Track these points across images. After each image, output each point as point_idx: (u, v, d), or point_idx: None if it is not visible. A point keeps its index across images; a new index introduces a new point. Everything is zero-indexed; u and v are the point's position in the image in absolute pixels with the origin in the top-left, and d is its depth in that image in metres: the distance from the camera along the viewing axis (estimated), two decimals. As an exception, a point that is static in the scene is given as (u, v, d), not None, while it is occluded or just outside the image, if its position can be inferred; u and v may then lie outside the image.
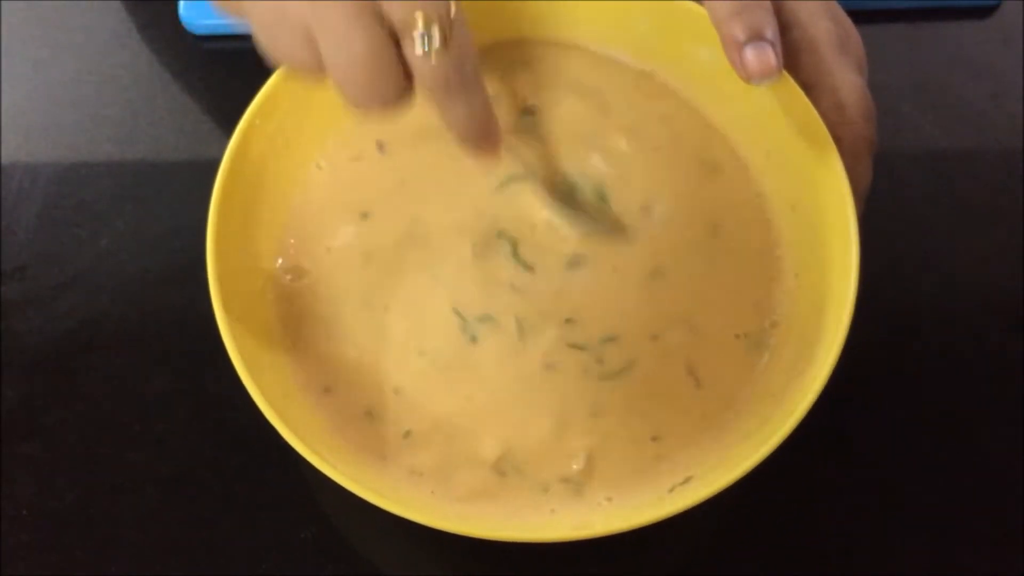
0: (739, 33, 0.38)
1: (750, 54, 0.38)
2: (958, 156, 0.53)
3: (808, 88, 0.40)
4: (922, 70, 0.55)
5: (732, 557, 0.44)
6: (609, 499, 0.38)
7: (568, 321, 0.41)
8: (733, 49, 0.38)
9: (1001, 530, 0.44)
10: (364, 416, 0.40)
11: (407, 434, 0.39)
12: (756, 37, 0.38)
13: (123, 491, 0.45)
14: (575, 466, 0.39)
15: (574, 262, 0.41)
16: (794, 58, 0.40)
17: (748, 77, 0.38)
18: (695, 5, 0.42)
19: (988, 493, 0.45)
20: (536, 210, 0.42)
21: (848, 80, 0.40)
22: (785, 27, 0.40)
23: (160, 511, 0.44)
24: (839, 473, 0.45)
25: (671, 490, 0.37)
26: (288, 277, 0.42)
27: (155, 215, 0.51)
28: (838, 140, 0.39)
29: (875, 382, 0.47)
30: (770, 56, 0.38)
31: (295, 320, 0.42)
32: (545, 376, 0.40)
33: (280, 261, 0.43)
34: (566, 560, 0.42)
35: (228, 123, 0.41)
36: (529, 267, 0.41)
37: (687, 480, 0.38)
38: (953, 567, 0.43)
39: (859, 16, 0.43)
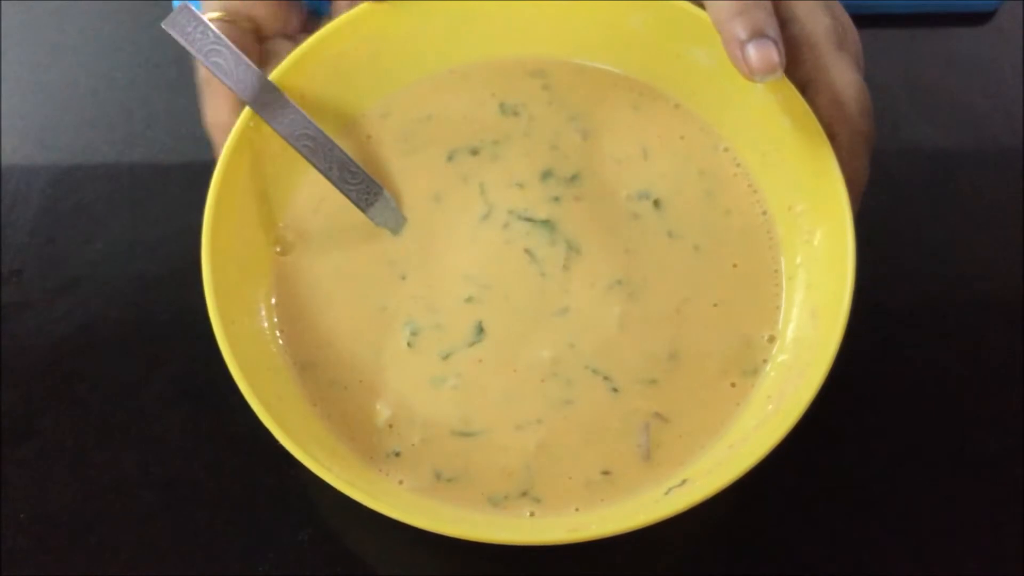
0: (741, 32, 0.38)
1: (752, 51, 0.38)
2: (956, 157, 0.53)
3: (806, 84, 0.40)
4: (920, 74, 0.55)
5: (729, 559, 0.44)
6: (577, 509, 0.38)
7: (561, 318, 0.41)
8: (735, 47, 0.38)
9: (1001, 531, 0.44)
10: (361, 420, 0.40)
11: (398, 447, 0.40)
12: (758, 35, 0.38)
13: (120, 494, 0.45)
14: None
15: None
16: (792, 54, 0.40)
17: (751, 74, 0.38)
18: (692, 6, 0.42)
19: (988, 494, 0.45)
20: None
21: (846, 76, 0.40)
22: (783, 23, 0.40)
23: (157, 513, 0.44)
24: (837, 473, 0.45)
25: (667, 492, 0.37)
26: (285, 277, 0.42)
27: (152, 218, 0.51)
28: (835, 136, 0.39)
29: (873, 382, 0.47)
30: (772, 52, 0.38)
31: (291, 320, 0.42)
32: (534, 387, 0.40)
33: (277, 261, 0.43)
34: (562, 562, 0.42)
35: (224, 125, 0.41)
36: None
37: (683, 483, 0.37)
38: (952, 568, 0.43)
39: (858, 20, 0.43)
